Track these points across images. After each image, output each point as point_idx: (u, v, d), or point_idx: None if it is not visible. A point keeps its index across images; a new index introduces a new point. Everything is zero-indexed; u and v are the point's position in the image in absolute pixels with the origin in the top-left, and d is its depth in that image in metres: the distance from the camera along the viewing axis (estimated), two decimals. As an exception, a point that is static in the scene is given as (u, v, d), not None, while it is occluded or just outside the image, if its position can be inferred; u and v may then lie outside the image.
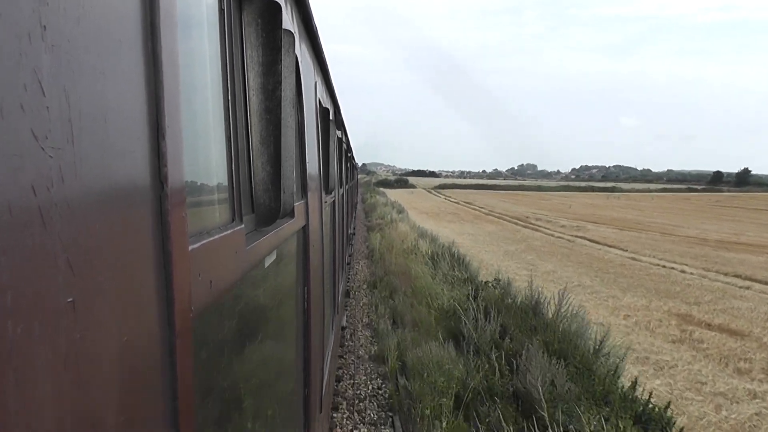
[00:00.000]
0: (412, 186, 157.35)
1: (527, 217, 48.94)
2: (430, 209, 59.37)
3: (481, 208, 64.78)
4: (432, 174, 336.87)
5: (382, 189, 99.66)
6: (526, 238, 32.30)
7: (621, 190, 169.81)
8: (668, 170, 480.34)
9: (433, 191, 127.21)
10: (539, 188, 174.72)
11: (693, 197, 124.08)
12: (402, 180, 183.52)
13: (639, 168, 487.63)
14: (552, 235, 34.26)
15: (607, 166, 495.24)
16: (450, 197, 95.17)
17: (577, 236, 33.47)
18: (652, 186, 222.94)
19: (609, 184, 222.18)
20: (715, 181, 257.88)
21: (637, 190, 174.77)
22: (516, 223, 43.12)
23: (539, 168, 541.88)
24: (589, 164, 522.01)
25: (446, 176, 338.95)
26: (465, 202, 77.86)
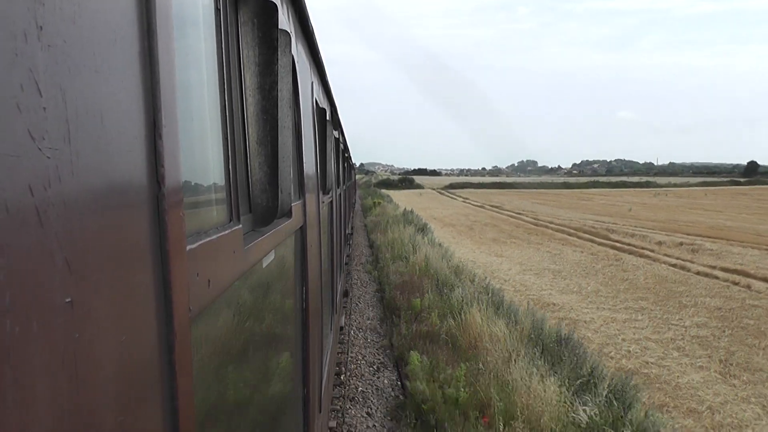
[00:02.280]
0: (419, 186, 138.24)
1: (594, 228, 33.47)
2: (455, 219, 42.15)
3: (519, 214, 45.88)
4: (433, 172, 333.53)
5: (384, 191, 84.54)
6: (662, 282, 17.67)
7: (657, 185, 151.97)
8: (670, 163, 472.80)
9: (445, 192, 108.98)
10: (566, 185, 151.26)
11: (748, 191, 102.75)
12: (407, 179, 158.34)
13: (641, 162, 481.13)
14: (686, 268, 19.95)
15: (608, 160, 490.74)
16: (469, 199, 75.23)
17: (728, 270, 19.22)
18: (692, 180, 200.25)
19: (642, 179, 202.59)
20: (750, 172, 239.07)
21: (675, 185, 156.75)
22: (595, 241, 27.72)
23: (540, 164, 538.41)
24: (590, 159, 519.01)
25: (447, 174, 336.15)
26: (492, 206, 57.87)
